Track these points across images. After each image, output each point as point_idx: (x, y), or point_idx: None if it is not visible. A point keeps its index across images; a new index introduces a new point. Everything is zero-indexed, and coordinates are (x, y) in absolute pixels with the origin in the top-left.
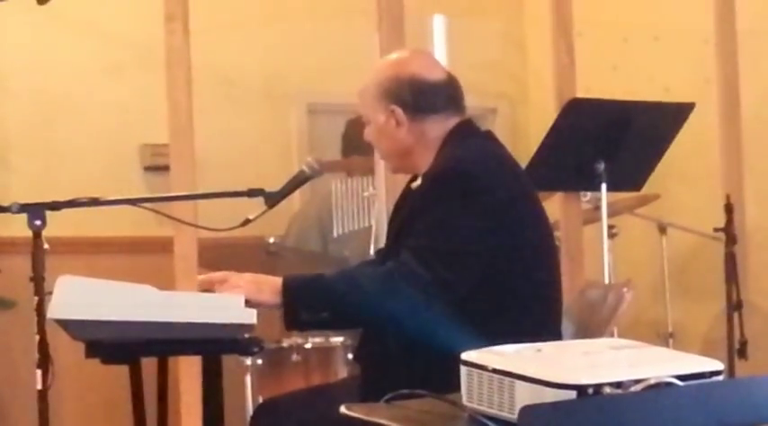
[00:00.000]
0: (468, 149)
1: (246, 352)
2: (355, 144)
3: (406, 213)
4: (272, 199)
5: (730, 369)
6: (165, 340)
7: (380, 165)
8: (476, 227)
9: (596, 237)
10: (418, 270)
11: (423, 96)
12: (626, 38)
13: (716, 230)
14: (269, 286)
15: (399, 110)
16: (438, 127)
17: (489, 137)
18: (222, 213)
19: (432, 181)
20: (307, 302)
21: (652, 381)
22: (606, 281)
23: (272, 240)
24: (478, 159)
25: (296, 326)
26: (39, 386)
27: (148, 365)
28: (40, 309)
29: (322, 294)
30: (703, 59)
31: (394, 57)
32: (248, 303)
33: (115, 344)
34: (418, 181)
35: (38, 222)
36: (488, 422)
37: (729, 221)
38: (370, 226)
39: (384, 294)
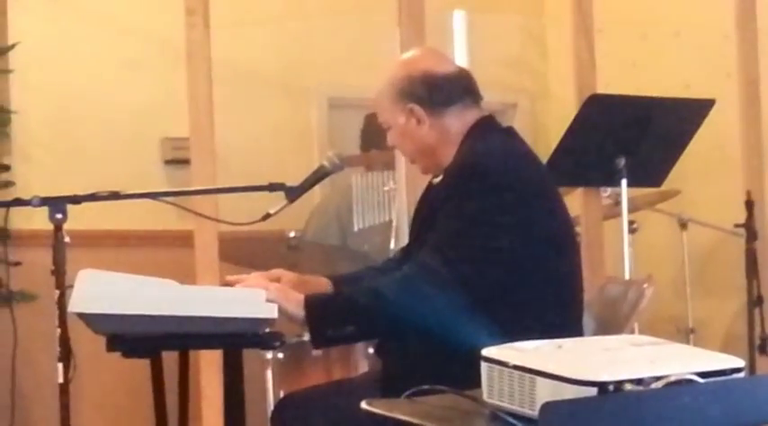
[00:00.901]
0: (490, 145)
1: (267, 346)
2: (374, 138)
3: (428, 209)
4: (293, 194)
5: (751, 366)
6: (186, 334)
7: (401, 160)
8: (497, 223)
9: (617, 233)
10: (439, 267)
11: (437, 89)
12: (646, 34)
13: (736, 226)
14: (294, 297)
15: (417, 108)
16: (458, 120)
17: (510, 133)
18: (243, 207)
19: (452, 176)
20: (331, 319)
21: (673, 378)
22: (627, 277)
23: (292, 234)
24: (499, 155)
25: (323, 344)
26: (60, 380)
27: (169, 358)
28: (61, 303)
29: (345, 309)
30: (724, 55)
31: (402, 58)
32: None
33: (136, 338)
34: (440, 177)
35: (59, 215)
36: (509, 419)
37: (750, 217)
38: (391, 221)
39: (406, 298)
